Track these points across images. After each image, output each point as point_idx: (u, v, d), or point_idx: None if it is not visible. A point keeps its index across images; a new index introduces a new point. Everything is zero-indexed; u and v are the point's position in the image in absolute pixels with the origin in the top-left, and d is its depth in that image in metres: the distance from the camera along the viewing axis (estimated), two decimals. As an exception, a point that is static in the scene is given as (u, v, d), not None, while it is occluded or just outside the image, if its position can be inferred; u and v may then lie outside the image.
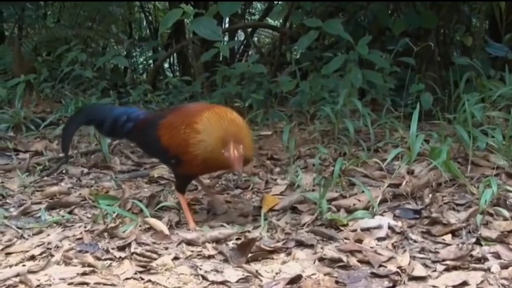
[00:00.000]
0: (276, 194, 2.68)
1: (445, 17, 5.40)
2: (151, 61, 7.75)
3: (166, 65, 8.10)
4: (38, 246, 2.14)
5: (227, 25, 7.02)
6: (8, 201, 2.74)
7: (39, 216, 2.49)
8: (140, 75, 7.83)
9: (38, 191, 2.87)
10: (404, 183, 2.55)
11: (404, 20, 5.16)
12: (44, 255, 2.06)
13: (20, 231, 2.31)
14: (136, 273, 1.89)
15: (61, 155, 3.42)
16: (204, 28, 4.09)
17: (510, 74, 3.74)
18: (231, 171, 2.78)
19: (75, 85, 5.49)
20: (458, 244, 2.03)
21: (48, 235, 2.25)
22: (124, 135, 2.60)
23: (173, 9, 4.36)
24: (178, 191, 2.41)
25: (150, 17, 8.38)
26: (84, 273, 1.90)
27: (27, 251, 2.09)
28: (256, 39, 8.65)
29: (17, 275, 1.90)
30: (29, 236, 2.27)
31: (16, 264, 1.99)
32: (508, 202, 2.34)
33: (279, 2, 7.95)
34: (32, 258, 2.04)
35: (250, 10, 8.52)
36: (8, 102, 4.74)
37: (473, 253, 1.94)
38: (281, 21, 6.76)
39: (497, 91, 3.41)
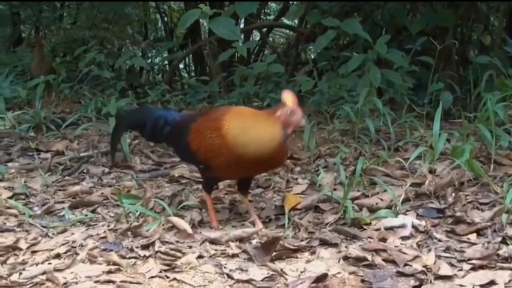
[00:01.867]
0: (298, 193, 2.67)
1: (463, 15, 5.37)
2: (166, 61, 7.79)
3: (181, 65, 8.13)
4: (63, 244, 2.15)
5: (242, 25, 7.03)
6: (31, 200, 2.75)
7: (63, 215, 2.50)
8: (157, 76, 7.86)
9: (60, 190, 2.88)
10: (427, 182, 2.53)
11: (421, 19, 5.14)
12: (69, 253, 2.07)
13: (44, 229, 2.32)
14: (161, 272, 1.89)
15: (82, 154, 3.45)
16: (222, 28, 4.10)
17: (530, 73, 3.73)
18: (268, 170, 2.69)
19: (93, 85, 5.52)
20: (483, 243, 2.01)
21: (73, 234, 2.26)
22: (163, 139, 2.55)
23: (191, 10, 4.38)
24: (205, 190, 2.38)
25: (166, 18, 8.42)
26: (109, 272, 1.90)
27: (52, 250, 2.10)
28: (271, 39, 8.66)
29: (44, 273, 1.90)
30: (53, 234, 2.28)
31: (42, 263, 2.00)
32: (532, 201, 2.32)
33: (295, 2, 7.96)
34: (58, 256, 2.05)
35: (266, 10, 8.54)
36: (28, 103, 4.77)
37: (500, 252, 1.92)
38: (297, 21, 6.76)
39: (518, 90, 3.39)
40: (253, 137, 2.13)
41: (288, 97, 2.14)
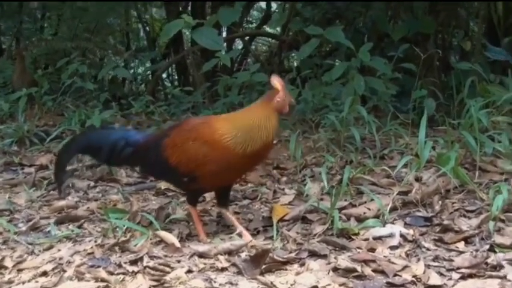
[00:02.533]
0: (285, 204, 2.66)
1: (443, 22, 5.42)
2: (149, 71, 7.75)
3: (164, 75, 8.10)
4: (50, 261, 2.12)
5: (224, 34, 7.03)
6: (16, 216, 2.72)
7: (49, 231, 2.46)
8: (140, 86, 7.82)
9: (45, 205, 2.85)
10: (413, 190, 2.53)
11: (402, 25, 5.17)
12: (56, 270, 2.04)
13: (30, 246, 2.29)
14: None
15: (68, 167, 3.41)
16: (205, 38, 4.09)
17: (512, 78, 3.76)
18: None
19: (76, 97, 5.48)
20: (472, 252, 2.02)
21: (59, 250, 2.23)
22: (123, 161, 2.48)
23: (174, 20, 4.37)
24: (190, 203, 2.36)
25: (147, 28, 8.39)
26: (98, 289, 1.88)
27: (39, 267, 2.07)
28: (253, 47, 8.67)
29: (31, 292, 1.88)
30: (39, 251, 2.25)
31: (29, 281, 1.98)
32: (519, 207, 2.33)
33: (277, 10, 7.98)
34: (44, 274, 2.02)
35: (248, 19, 8.55)
36: (10, 116, 4.72)
37: (488, 260, 1.92)
38: (279, 29, 6.77)
39: (500, 96, 3.41)
40: (255, 131, 2.16)
41: (277, 81, 2.18)
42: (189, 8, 7.49)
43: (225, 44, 7.00)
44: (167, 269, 1.98)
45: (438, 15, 5.29)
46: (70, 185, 3.16)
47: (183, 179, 2.29)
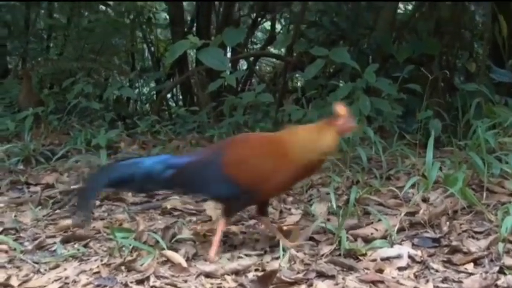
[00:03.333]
0: (291, 224, 2.64)
1: (448, 43, 5.46)
2: (154, 91, 7.79)
3: (169, 95, 8.13)
4: (56, 281, 2.10)
5: (229, 54, 7.06)
6: (21, 235, 2.70)
7: (55, 250, 2.44)
8: (144, 106, 7.85)
9: (51, 224, 2.83)
10: (421, 211, 2.52)
11: (407, 47, 5.21)
12: (62, 290, 2.03)
13: (36, 265, 2.27)
14: (157, 308, 1.87)
15: (73, 187, 3.41)
16: (211, 58, 4.11)
17: (518, 100, 3.77)
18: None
19: (81, 117, 5.50)
20: (481, 273, 2.00)
21: (65, 269, 2.21)
22: (162, 184, 2.42)
23: (180, 41, 4.39)
24: (227, 216, 2.34)
25: (152, 48, 8.43)
26: (104, 309, 1.87)
27: (44, 286, 2.06)
28: (257, 67, 8.71)
29: (36, 312, 1.87)
30: (45, 270, 2.23)
31: (35, 301, 1.97)
32: (527, 229, 2.32)
33: (282, 32, 8.03)
34: (50, 293, 2.01)
35: (253, 39, 8.60)
36: (17, 136, 4.73)
37: (498, 283, 1.91)
38: (283, 50, 6.80)
39: (506, 117, 3.41)
40: (317, 145, 2.22)
41: (341, 109, 2.23)
42: (194, 29, 7.54)
43: (230, 65, 7.06)
44: (174, 289, 1.97)
45: (443, 37, 5.33)
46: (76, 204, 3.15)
47: (243, 194, 2.28)
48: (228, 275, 2.08)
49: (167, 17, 8.01)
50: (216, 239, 2.29)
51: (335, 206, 2.66)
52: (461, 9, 5.33)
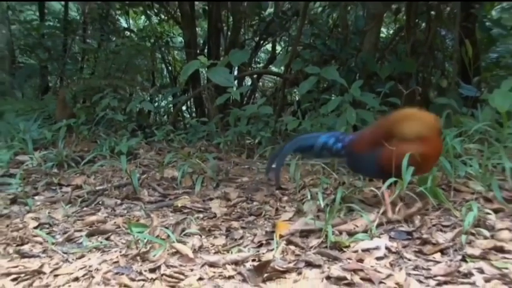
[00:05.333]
0: (286, 220, 2.64)
1: (423, 62, 5.44)
2: (171, 104, 7.80)
3: (184, 108, 8.14)
4: (81, 268, 2.11)
5: (236, 72, 7.07)
6: (54, 229, 2.71)
7: (81, 243, 2.46)
8: (162, 117, 7.86)
9: (79, 220, 2.85)
10: (397, 208, 2.50)
11: (388, 66, 5.20)
12: (86, 277, 2.03)
13: (65, 255, 2.29)
14: (166, 293, 1.86)
15: (98, 188, 3.42)
16: (218, 76, 4.12)
17: (481, 112, 3.75)
18: None
19: (107, 127, 5.51)
20: (447, 261, 1.99)
21: (89, 259, 2.22)
22: (333, 154, 2.72)
23: (192, 61, 4.40)
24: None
25: (170, 67, 8.46)
26: (121, 293, 1.87)
27: (72, 273, 2.07)
28: (261, 83, 8.71)
29: (64, 295, 1.88)
30: (73, 260, 2.24)
31: (63, 285, 1.97)
32: (487, 223, 2.30)
33: (281, 53, 8.03)
34: (76, 279, 2.01)
35: (256, 59, 8.61)
36: (53, 143, 4.74)
37: (460, 269, 1.89)
38: (283, 68, 6.81)
39: (471, 126, 3.39)
40: None
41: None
42: (206, 51, 7.55)
43: (236, 82, 7.07)
44: (182, 277, 1.97)
45: (419, 57, 5.32)
46: (100, 202, 3.16)
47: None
48: (229, 264, 2.08)
49: (183, 40, 8.03)
50: (387, 203, 2.47)
51: (322, 205, 2.65)
52: (434, 34, 5.33)
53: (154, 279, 1.97)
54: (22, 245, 2.46)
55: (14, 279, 2.06)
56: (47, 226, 2.76)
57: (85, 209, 3.06)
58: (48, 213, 2.97)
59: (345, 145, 2.68)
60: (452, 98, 4.26)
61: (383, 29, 6.94)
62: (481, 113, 3.74)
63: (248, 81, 7.85)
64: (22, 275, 2.08)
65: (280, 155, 2.82)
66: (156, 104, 7.23)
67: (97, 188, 3.42)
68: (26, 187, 3.51)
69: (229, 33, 7.47)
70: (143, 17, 8.86)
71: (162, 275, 1.99)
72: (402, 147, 2.46)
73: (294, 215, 2.71)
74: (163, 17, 8.34)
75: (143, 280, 1.98)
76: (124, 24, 9.10)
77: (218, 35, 7.42)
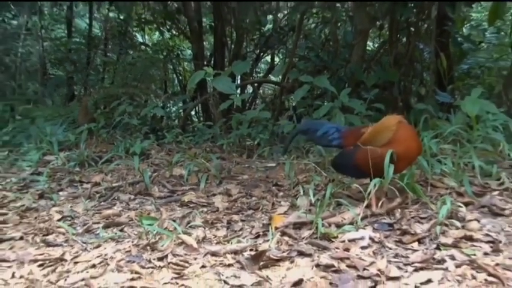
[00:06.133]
0: (281, 214, 2.62)
1: (404, 72, 5.43)
2: (181, 110, 7.78)
3: (193, 113, 8.12)
4: (98, 257, 2.11)
5: (238, 81, 7.06)
6: (75, 221, 2.71)
7: (98, 233, 2.45)
8: (174, 121, 7.85)
9: (97, 213, 2.84)
10: (380, 202, 2.49)
11: (374, 75, 5.19)
12: (102, 264, 2.03)
13: (84, 245, 2.28)
14: (172, 279, 1.85)
15: (114, 184, 3.41)
16: (222, 84, 4.08)
17: (454, 116, 3.75)
18: None
19: (124, 130, 5.50)
20: (423, 250, 1.98)
21: (105, 248, 2.22)
22: (329, 142, 2.66)
23: (198, 71, 4.38)
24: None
25: (180, 77, 8.45)
26: (132, 279, 1.86)
27: (89, 261, 2.06)
28: (261, 91, 8.69)
29: (83, 280, 1.88)
30: (91, 249, 2.23)
31: (82, 271, 1.96)
32: (458, 215, 2.29)
33: (279, 63, 8.02)
34: (93, 266, 2.01)
35: (257, 69, 8.60)
36: (76, 145, 4.73)
37: (435, 256, 1.88)
38: (280, 77, 6.79)
39: (446, 129, 3.39)
40: None
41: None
42: (212, 62, 7.53)
43: (238, 90, 7.05)
44: (186, 265, 1.96)
45: (401, 68, 5.31)
46: (116, 197, 3.15)
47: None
48: (229, 254, 2.06)
49: (192, 53, 8.02)
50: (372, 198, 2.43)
51: (313, 200, 2.63)
52: (413, 48, 5.33)
53: (162, 267, 1.96)
54: (47, 235, 2.46)
55: (40, 265, 2.06)
56: (69, 218, 2.75)
57: (102, 203, 3.05)
58: (71, 207, 2.97)
59: (338, 137, 2.64)
60: (429, 104, 4.25)
61: (369, 43, 6.92)
62: (454, 117, 3.73)
63: (250, 89, 7.81)
64: (47, 262, 2.09)
65: (292, 132, 2.86)
66: (168, 109, 7.21)
67: (113, 184, 3.41)
68: (51, 184, 3.51)
69: (232, 46, 7.45)
70: (157, 32, 8.86)
71: (169, 263, 1.98)
72: (375, 150, 2.46)
73: (288, 209, 2.70)
74: (174, 32, 8.33)
75: (152, 268, 1.97)
76: (140, 39, 9.12)
77: (223, 48, 7.40)
